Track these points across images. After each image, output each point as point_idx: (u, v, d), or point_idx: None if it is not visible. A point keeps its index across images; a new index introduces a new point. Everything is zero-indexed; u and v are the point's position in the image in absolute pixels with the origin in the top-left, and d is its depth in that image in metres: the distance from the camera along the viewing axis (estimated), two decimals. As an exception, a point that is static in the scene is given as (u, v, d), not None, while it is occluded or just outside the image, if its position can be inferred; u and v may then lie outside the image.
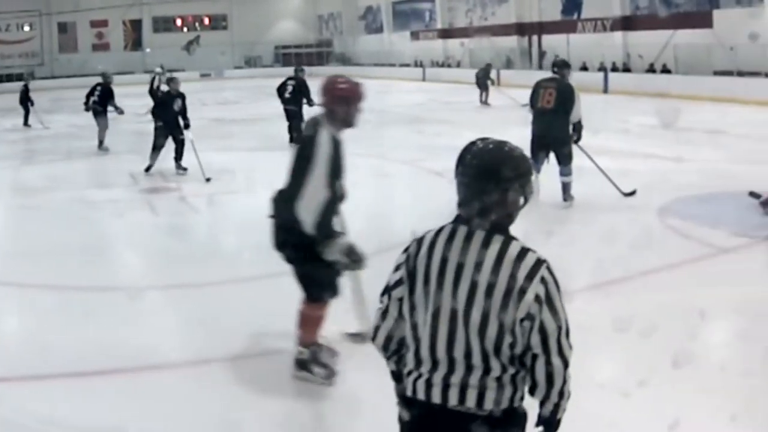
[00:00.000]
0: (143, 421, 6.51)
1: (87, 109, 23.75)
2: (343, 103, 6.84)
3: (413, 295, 3.65)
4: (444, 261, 3.54)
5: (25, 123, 31.67)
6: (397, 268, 3.77)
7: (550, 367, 3.48)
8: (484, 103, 36.15)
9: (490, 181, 3.49)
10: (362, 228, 13.18)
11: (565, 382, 3.55)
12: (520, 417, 3.63)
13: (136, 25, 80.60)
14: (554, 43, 50.27)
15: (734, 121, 24.37)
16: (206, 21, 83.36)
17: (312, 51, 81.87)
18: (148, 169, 18.59)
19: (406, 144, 23.25)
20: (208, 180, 17.09)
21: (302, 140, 7.05)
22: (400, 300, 3.72)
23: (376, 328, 3.87)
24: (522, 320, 3.42)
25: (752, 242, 11.24)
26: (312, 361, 7.14)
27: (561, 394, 3.57)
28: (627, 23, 45.54)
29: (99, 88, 23.72)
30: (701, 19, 39.47)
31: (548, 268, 3.50)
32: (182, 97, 18.53)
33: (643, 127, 23.21)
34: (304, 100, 22.65)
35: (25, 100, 31.56)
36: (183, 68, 69.50)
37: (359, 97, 6.98)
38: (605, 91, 40.16)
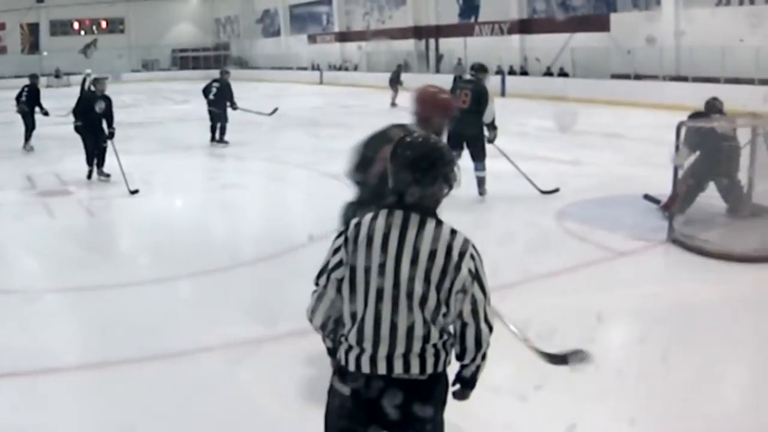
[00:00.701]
0: (40, 424, 6.51)
1: (18, 111, 23.68)
2: (441, 113, 6.80)
3: (354, 276, 3.98)
4: (385, 242, 3.92)
5: None
6: (335, 251, 4.11)
7: (479, 333, 3.99)
8: (393, 104, 36.23)
9: (423, 171, 3.93)
10: (258, 231, 13.13)
11: (488, 345, 4.07)
12: (446, 377, 4.13)
13: (33, 28, 79.58)
14: (451, 47, 50.30)
15: (631, 124, 24.52)
16: (103, 24, 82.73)
17: (209, 54, 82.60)
18: (89, 176, 17.46)
19: (302, 147, 23.49)
20: (133, 192, 15.84)
21: None
22: (340, 281, 4.04)
23: (313, 310, 4.17)
24: (457, 292, 3.90)
25: (649, 245, 11.38)
26: None
27: (484, 356, 4.13)
28: (524, 26, 45.60)
29: (26, 89, 23.69)
30: (598, 23, 39.60)
31: (474, 246, 4.00)
32: (107, 99, 17.11)
33: (541, 130, 23.33)
34: (228, 103, 23.07)
35: None
36: (80, 71, 68.66)
37: (453, 108, 7.15)
38: (503, 94, 40.15)
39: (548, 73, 41.85)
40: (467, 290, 3.90)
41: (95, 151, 17.24)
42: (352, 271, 3.99)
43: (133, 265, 11.41)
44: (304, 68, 68.09)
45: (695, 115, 12.44)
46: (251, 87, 30.30)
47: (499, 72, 43.76)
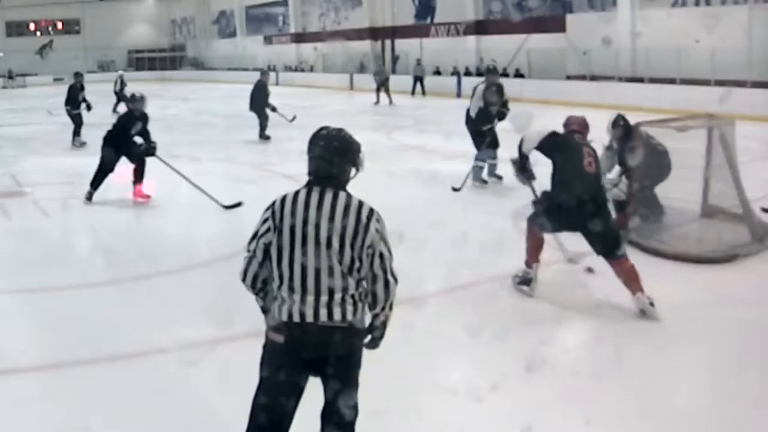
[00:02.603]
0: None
1: (88, 109, 24.85)
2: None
3: (281, 238, 4.82)
4: (306, 210, 4.77)
5: None
6: (264, 221, 4.94)
7: (387, 283, 4.85)
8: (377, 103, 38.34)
9: (338, 156, 4.87)
10: (215, 232, 12.99)
11: (394, 296, 4.94)
12: (364, 321, 4.95)
13: (-11, 29, 79.23)
14: (407, 48, 50.30)
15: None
16: (59, 25, 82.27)
17: (165, 55, 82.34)
18: (90, 198, 15.46)
19: (257, 148, 23.28)
20: (230, 207, 14.57)
21: None
22: (267, 245, 4.89)
23: (245, 271, 5.03)
24: (367, 247, 4.75)
25: None
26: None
27: (390, 306, 4.99)
28: (480, 27, 45.74)
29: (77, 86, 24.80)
30: (554, 24, 39.76)
31: (377, 213, 4.84)
32: (144, 119, 15.37)
33: (498, 131, 23.15)
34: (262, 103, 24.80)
35: None
36: (36, 73, 68.67)
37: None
38: (458, 95, 40.23)
39: (504, 74, 41.82)
40: (375, 247, 4.78)
41: (109, 172, 15.47)
42: (279, 234, 4.82)
43: (89, 267, 11.35)
44: (260, 69, 67.41)
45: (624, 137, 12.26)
46: (207, 88, 30.18)
47: (455, 73, 44.00)
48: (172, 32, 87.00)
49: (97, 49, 79.75)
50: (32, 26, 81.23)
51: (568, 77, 37.08)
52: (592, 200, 8.84)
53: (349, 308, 4.77)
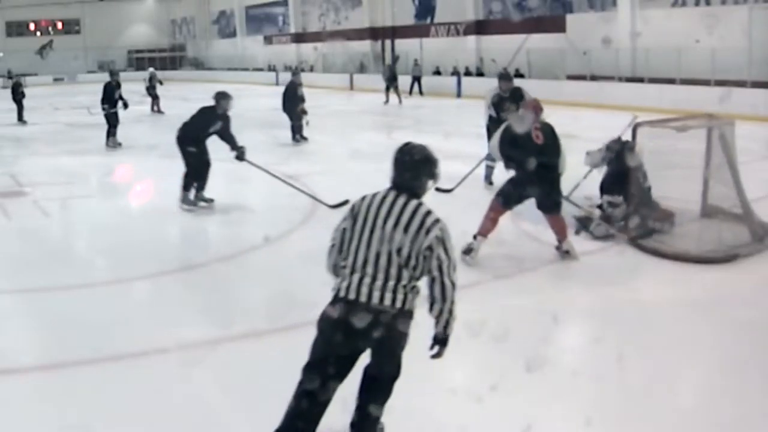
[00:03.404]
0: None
1: (125, 107, 23.96)
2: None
3: (354, 226, 5.50)
4: (379, 208, 5.45)
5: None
6: (345, 218, 5.64)
7: (444, 286, 5.30)
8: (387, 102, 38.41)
9: (418, 169, 5.52)
10: (214, 232, 12.96)
11: (453, 302, 5.35)
12: (412, 314, 5.43)
13: (-11, 29, 79.21)
14: (407, 48, 50.22)
15: (587, 125, 24.42)
16: (59, 25, 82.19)
17: (165, 55, 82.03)
18: (191, 203, 14.46)
19: (258, 148, 22.88)
20: (335, 206, 13.51)
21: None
22: (344, 230, 5.58)
23: (328, 260, 5.72)
24: (425, 249, 5.30)
25: (605, 246, 11.46)
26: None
27: (450, 312, 5.36)
28: (480, 27, 45.66)
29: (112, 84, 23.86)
30: (554, 24, 39.70)
31: (444, 224, 5.40)
32: (226, 119, 14.30)
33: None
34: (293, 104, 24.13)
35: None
36: (36, 72, 68.64)
37: None
38: (458, 95, 40.24)
39: (504, 74, 41.85)
40: (434, 250, 5.29)
41: (200, 172, 14.56)
42: (354, 222, 5.51)
43: (88, 267, 11.36)
44: (260, 69, 67.82)
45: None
46: (207, 88, 30.08)
47: (455, 73, 43.99)
48: (172, 32, 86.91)
49: (97, 49, 79.65)
50: (32, 26, 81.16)
51: (568, 77, 36.99)
52: (540, 167, 10.32)
53: (399, 296, 5.32)
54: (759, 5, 30.00)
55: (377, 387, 5.69)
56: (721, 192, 11.71)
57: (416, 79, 43.34)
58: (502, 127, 11.16)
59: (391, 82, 39.30)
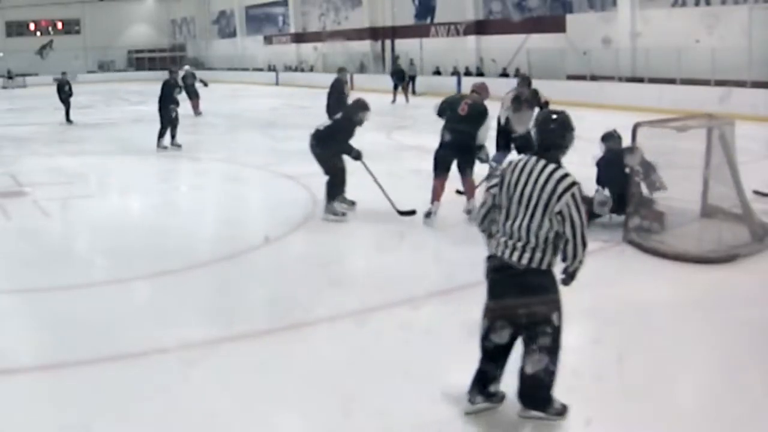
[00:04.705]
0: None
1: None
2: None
3: (500, 191, 6.08)
4: (520, 172, 5.96)
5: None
6: (495, 183, 6.20)
7: (575, 247, 5.89)
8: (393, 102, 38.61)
9: (561, 135, 6.02)
10: (214, 232, 13.02)
11: (582, 260, 5.99)
12: (552, 273, 6.05)
13: (-11, 29, 79.21)
14: (407, 48, 50.22)
15: (587, 125, 24.08)
16: (59, 25, 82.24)
17: (165, 55, 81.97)
18: (337, 212, 12.98)
19: (258, 148, 23.38)
20: (406, 213, 13.10)
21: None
22: (494, 196, 6.15)
23: (478, 212, 6.45)
24: (557, 213, 5.79)
25: (605, 246, 11.35)
26: None
27: (581, 262, 6.02)
28: (480, 27, 45.62)
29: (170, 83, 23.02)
30: (554, 24, 39.69)
31: (578, 187, 5.84)
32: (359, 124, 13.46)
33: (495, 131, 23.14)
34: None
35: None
36: (36, 73, 68.51)
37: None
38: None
39: (504, 74, 41.83)
40: (565, 213, 5.78)
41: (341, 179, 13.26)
42: (501, 186, 6.08)
43: (89, 267, 11.34)
44: (260, 69, 67.86)
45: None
46: (207, 88, 30.16)
47: (455, 73, 43.89)
48: (172, 32, 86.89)
49: (97, 49, 79.77)
50: (32, 26, 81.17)
51: (568, 77, 36.98)
52: (459, 133, 12.52)
53: (537, 255, 5.90)
54: (759, 5, 29.99)
55: (531, 344, 6.14)
56: (721, 192, 11.71)
57: (411, 78, 43.31)
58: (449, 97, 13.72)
59: (400, 81, 39.40)
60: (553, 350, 6.11)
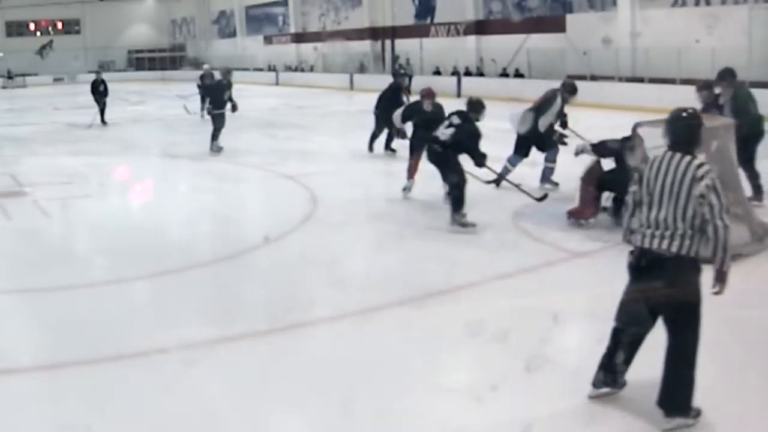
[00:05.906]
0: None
1: (233, 109, 22.03)
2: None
3: (641, 185, 6.40)
4: (659, 167, 6.28)
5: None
6: (633, 182, 6.55)
7: (716, 227, 6.01)
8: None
9: (692, 131, 6.40)
10: (214, 232, 13.00)
11: (726, 240, 6.05)
12: (697, 261, 6.24)
13: (-11, 29, 79.21)
14: (407, 48, 50.24)
15: (587, 125, 24.19)
16: (59, 25, 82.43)
17: (165, 55, 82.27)
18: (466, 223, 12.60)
19: (258, 148, 23.27)
20: (540, 199, 13.53)
21: None
22: (634, 193, 6.49)
23: (623, 221, 6.77)
24: (698, 197, 6.03)
25: (605, 246, 11.27)
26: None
27: (724, 249, 6.08)
28: (480, 27, 45.58)
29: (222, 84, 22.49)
30: (554, 24, 39.67)
31: (714, 175, 6.16)
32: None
33: (497, 131, 23.08)
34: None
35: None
36: (36, 72, 68.54)
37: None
38: (458, 95, 40.12)
39: (504, 74, 41.85)
40: (705, 197, 6.01)
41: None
42: (640, 182, 6.42)
43: (88, 267, 11.36)
44: (260, 69, 67.84)
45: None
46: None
47: (455, 73, 43.88)
48: (172, 32, 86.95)
49: (97, 49, 79.59)
50: (32, 26, 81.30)
51: (568, 77, 36.81)
52: (427, 128, 13.59)
53: (686, 243, 6.13)
54: (759, 5, 30.01)
55: (675, 332, 6.47)
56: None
57: (408, 78, 43.28)
58: (410, 104, 17.45)
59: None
60: (693, 346, 6.42)
